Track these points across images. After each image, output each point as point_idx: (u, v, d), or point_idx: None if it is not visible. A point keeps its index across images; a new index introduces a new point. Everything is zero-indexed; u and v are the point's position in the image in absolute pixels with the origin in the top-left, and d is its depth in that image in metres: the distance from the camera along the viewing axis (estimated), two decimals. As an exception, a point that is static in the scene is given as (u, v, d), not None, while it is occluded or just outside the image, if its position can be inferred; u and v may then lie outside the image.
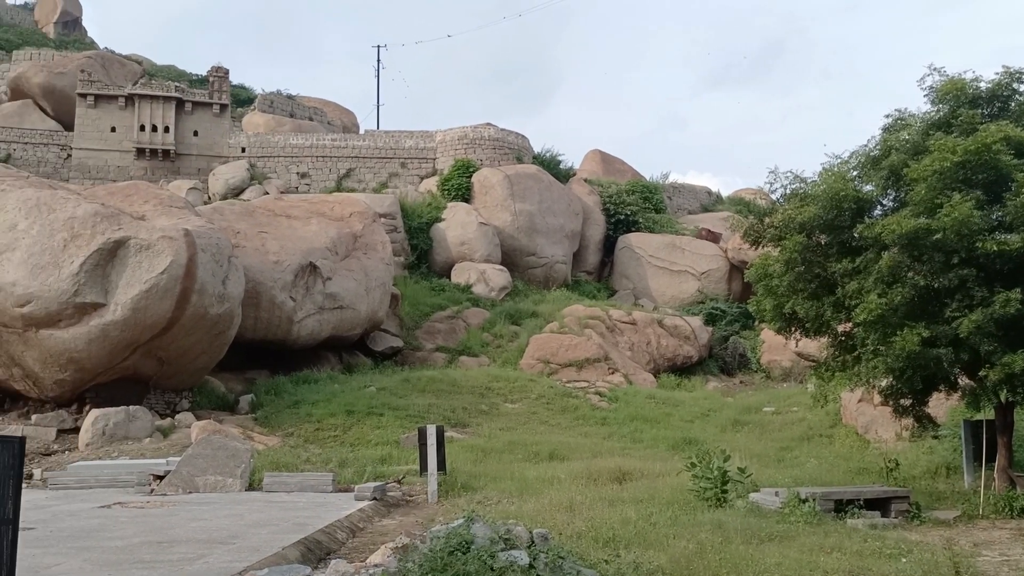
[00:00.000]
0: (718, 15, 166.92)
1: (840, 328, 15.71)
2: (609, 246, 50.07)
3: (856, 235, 14.61)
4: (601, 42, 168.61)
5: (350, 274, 32.86)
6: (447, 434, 20.02)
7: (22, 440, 6.57)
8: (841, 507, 13.47)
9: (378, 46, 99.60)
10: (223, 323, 25.43)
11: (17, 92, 54.57)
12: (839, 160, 15.73)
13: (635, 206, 50.96)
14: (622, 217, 50.28)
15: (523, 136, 51.78)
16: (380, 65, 70.97)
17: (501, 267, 43.66)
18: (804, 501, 13.18)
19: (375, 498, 15.49)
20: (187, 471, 17.67)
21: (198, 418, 24.42)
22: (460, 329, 38.20)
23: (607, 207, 50.78)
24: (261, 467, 18.54)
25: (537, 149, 53.04)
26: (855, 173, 15.46)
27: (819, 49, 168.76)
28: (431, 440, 16.52)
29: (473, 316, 39.23)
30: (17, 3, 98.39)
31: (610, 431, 26.19)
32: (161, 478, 17.80)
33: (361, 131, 62.78)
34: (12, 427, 23.03)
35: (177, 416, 24.82)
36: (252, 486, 17.66)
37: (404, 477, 17.81)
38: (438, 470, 16.46)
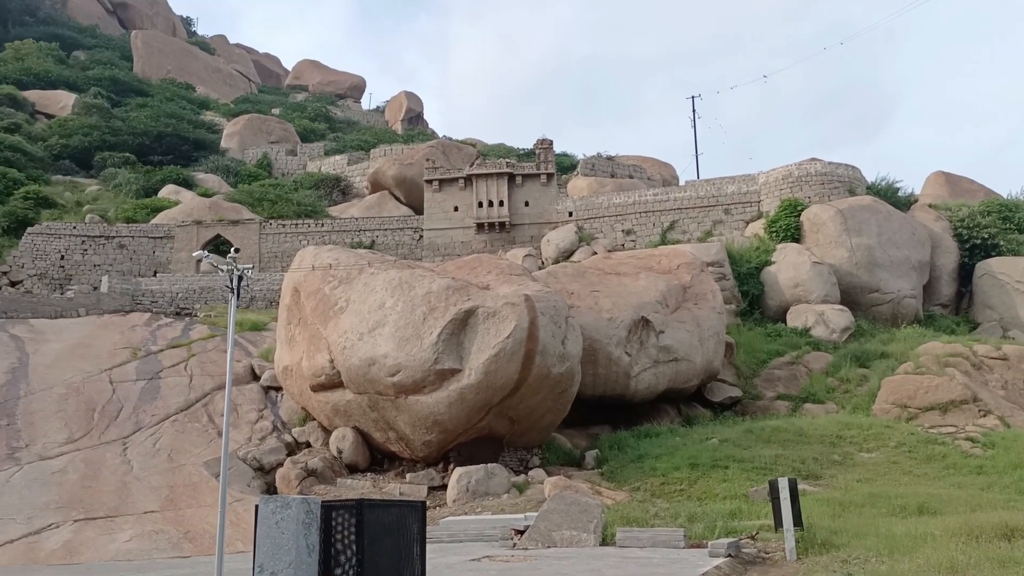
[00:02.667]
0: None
1: None
2: (965, 275, 45.35)
3: None
4: (935, 58, 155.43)
5: (682, 325, 32.79)
6: (799, 487, 19.03)
7: (423, 504, 7.24)
8: None
9: (692, 97, 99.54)
10: (565, 381, 26.46)
11: (376, 185, 61.92)
12: None
13: (993, 228, 45.83)
14: (978, 242, 45.41)
15: (853, 167, 48.89)
16: (696, 115, 71.02)
17: (841, 307, 41.15)
18: None
19: (730, 555, 15.07)
20: (544, 526, 18.44)
21: (548, 474, 25.49)
22: (801, 375, 36.41)
23: (958, 232, 46.18)
24: (612, 522, 18.86)
25: (870, 179, 49.79)
26: None
27: None
28: (784, 494, 15.79)
29: (814, 360, 37.24)
30: (371, 108, 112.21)
31: (989, 481, 23.35)
32: (521, 532, 18.73)
33: (681, 182, 62.99)
34: (391, 486, 25.58)
35: (530, 472, 26.08)
36: (605, 541, 17.99)
37: (758, 533, 17.15)
38: (794, 525, 15.66)
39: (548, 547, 17.81)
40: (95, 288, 47.24)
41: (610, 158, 65.67)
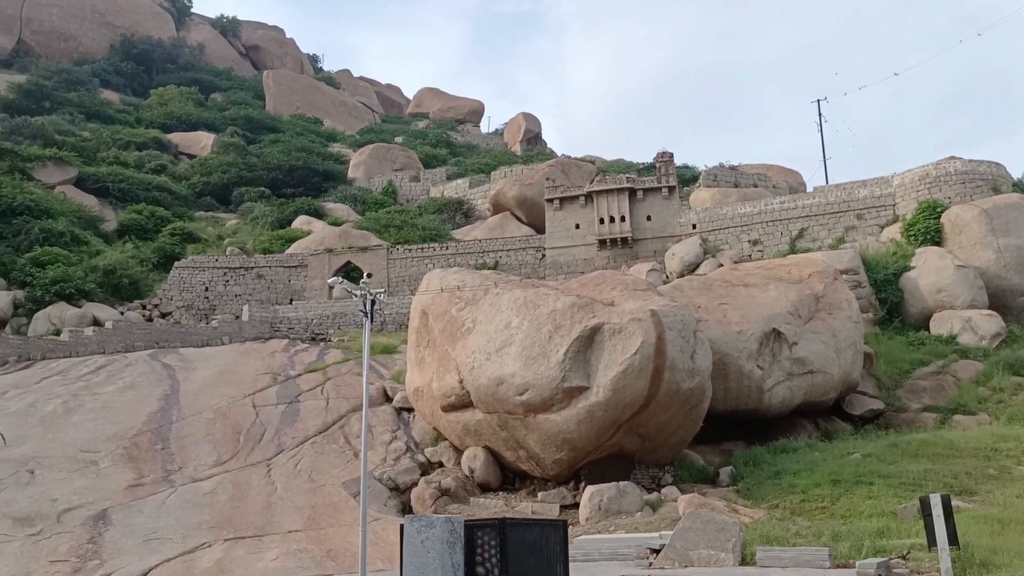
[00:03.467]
0: None
1: None
2: None
3: None
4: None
5: (816, 336, 31.67)
6: (952, 503, 17.97)
7: (565, 523, 7.23)
8: None
9: (818, 100, 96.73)
10: (695, 397, 25.96)
11: (497, 207, 62.71)
12: None
13: None
14: None
15: (997, 164, 46.18)
16: (822, 119, 68.76)
17: (990, 312, 38.81)
18: None
19: (880, 575, 14.36)
20: (680, 545, 18.07)
21: (682, 491, 25.01)
22: (949, 385, 34.49)
23: (1119, 227, 42.79)
24: (750, 541, 18.30)
25: (1016, 175, 46.94)
26: None
27: None
28: (936, 510, 14.96)
29: (963, 369, 35.21)
30: (490, 131, 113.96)
31: None
32: (657, 552, 18.43)
33: (809, 189, 61.09)
34: (523, 504, 25.66)
35: (663, 490, 25.66)
36: (744, 561, 17.47)
37: (909, 552, 16.29)
38: (949, 544, 14.79)
39: (685, 567, 17.45)
40: (237, 317, 49.61)
41: (733, 168, 64.35)
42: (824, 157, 73.00)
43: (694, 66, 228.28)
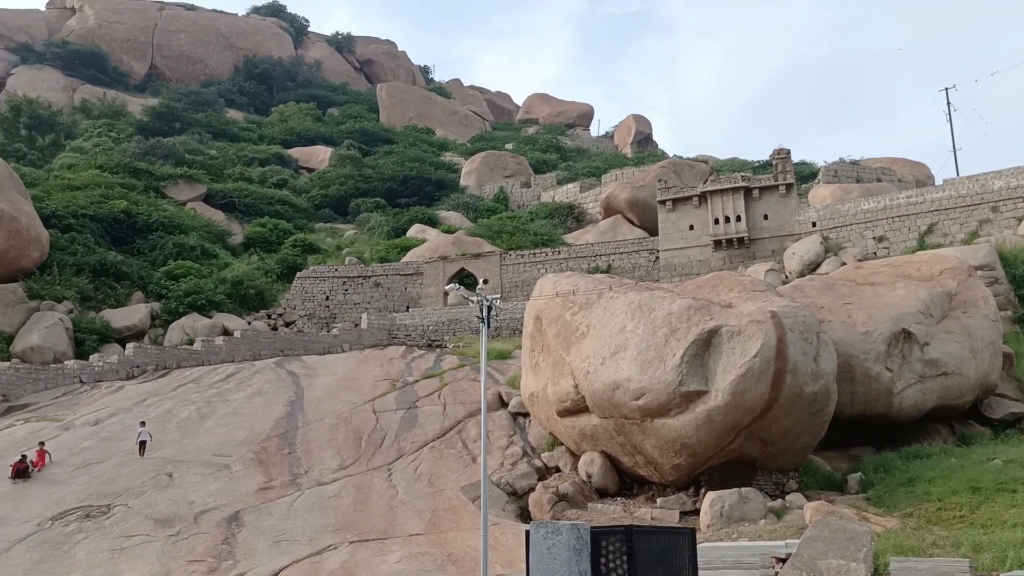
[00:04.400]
0: None
1: None
2: None
3: None
4: None
5: (950, 336, 30.09)
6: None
7: (692, 532, 7.09)
8: None
9: (946, 88, 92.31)
10: (819, 401, 25.06)
11: (609, 210, 62.37)
12: None
13: None
14: None
15: None
16: (951, 108, 65.60)
17: None
18: None
19: (1028, 590, 13.48)
20: (807, 554, 17.44)
21: (808, 499, 24.17)
22: (1099, 387, 32.19)
23: None
24: (883, 551, 17.51)
25: None
26: None
27: None
28: (1091, 522, 13.92)
29: (1115, 370, 32.80)
30: (600, 134, 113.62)
31: None
32: (782, 560, 17.84)
33: (937, 182, 58.24)
34: (641, 510, 25.35)
35: (787, 497, 24.86)
36: (877, 571, 16.71)
37: (1060, 566, 15.24)
38: (1106, 559, 13.75)
39: (813, 577, 16.81)
40: (356, 325, 50.99)
41: (855, 162, 62.05)
42: (954, 148, 69.75)
43: (812, 58, 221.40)
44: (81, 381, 39.93)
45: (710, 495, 24.07)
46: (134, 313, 50.04)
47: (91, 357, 42.78)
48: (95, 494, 25.15)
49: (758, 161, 72.41)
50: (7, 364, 40.20)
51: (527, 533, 7.82)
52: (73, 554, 21.46)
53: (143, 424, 29.91)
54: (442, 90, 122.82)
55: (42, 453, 27.21)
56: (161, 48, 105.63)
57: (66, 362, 41.79)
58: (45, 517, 23.54)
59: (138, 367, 41.89)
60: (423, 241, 60.67)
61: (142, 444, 28.68)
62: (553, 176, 76.54)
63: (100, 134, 78.27)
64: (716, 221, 50.70)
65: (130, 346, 43.33)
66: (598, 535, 7.48)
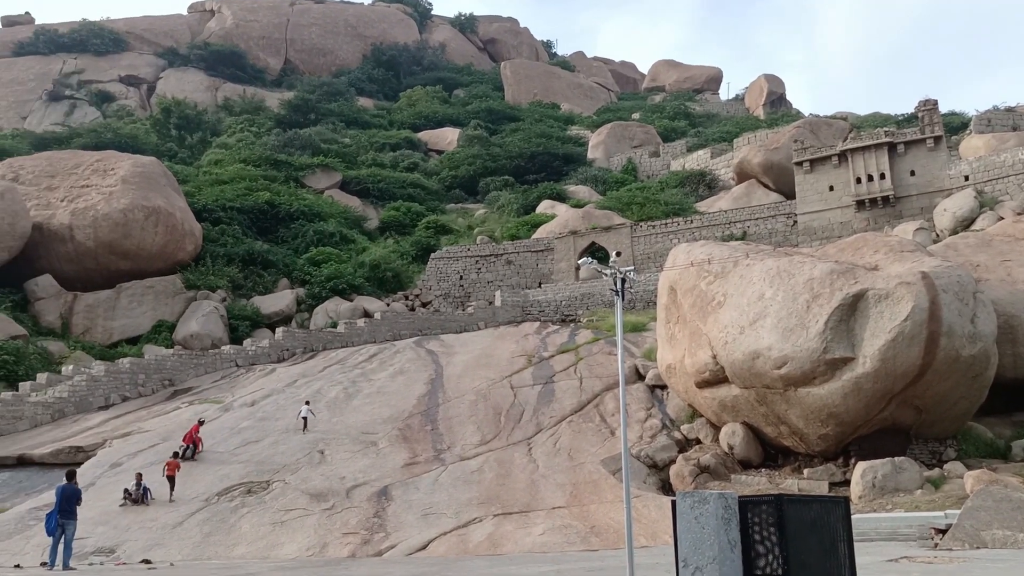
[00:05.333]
0: None
1: None
2: None
3: None
4: None
5: (1126, 291, 27.77)
6: None
7: (846, 500, 6.88)
8: None
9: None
10: (978, 365, 23.70)
11: (742, 175, 60.66)
12: None
13: None
14: None
15: None
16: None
17: None
18: None
19: None
20: (969, 525, 16.61)
21: (967, 467, 22.97)
22: None
23: None
24: (1056, 522, 16.43)
25: None
26: None
27: None
28: None
29: None
30: (730, 98, 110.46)
31: None
32: (942, 532, 17.05)
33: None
34: (787, 481, 24.70)
35: (945, 466, 23.68)
36: (1051, 543, 15.72)
37: None
38: None
39: (976, 547, 15.99)
40: (490, 303, 51.73)
41: (1010, 109, 57.98)
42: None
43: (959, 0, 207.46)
44: (237, 365, 42.24)
45: (861, 465, 23.20)
46: (281, 299, 52.50)
47: (244, 342, 45.20)
48: (255, 471, 26.62)
49: (902, 115, 68.72)
50: (171, 351, 43.00)
51: (673, 503, 7.79)
52: (239, 527, 22.83)
53: (307, 403, 31.58)
54: (566, 64, 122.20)
55: (196, 429, 28.37)
56: (294, 43, 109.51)
57: (222, 347, 44.29)
58: (212, 493, 25.11)
59: (287, 350, 43.94)
60: (552, 217, 60.76)
61: (304, 421, 30.29)
62: (682, 143, 75.03)
63: (242, 129, 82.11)
64: (858, 180, 48.51)
65: (279, 330, 45.48)
66: (746, 504, 7.38)
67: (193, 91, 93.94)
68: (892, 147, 48.10)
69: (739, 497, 7.54)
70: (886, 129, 51.91)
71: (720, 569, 7.08)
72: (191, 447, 27.90)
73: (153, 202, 50.62)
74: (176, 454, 26.37)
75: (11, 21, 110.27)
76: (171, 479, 25.18)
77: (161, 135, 79.91)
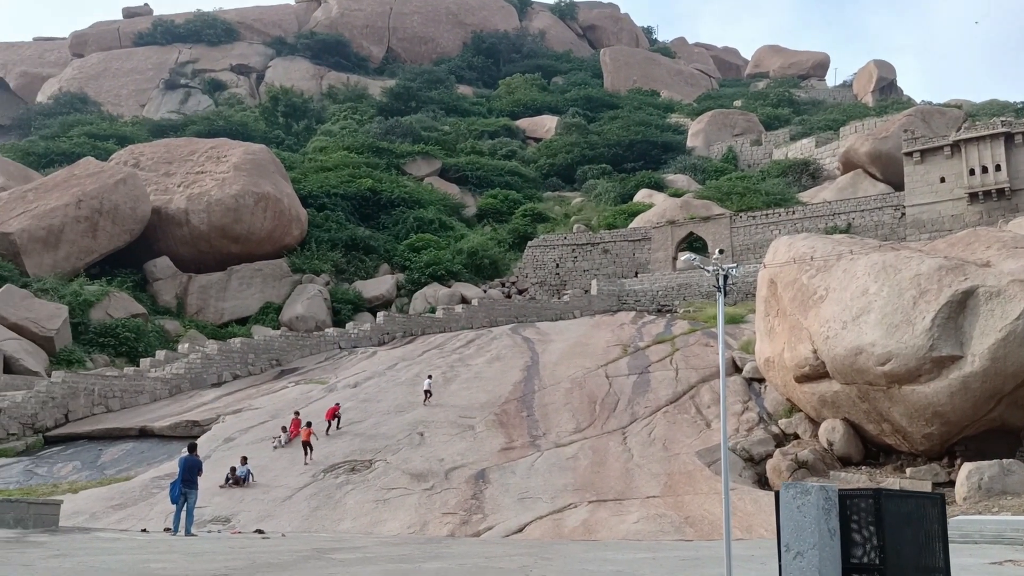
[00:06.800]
0: None
1: None
2: None
3: None
4: None
5: None
6: None
7: (942, 497, 7.05)
8: None
9: None
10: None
11: (848, 164, 59.10)
12: None
13: None
14: None
15: None
16: None
17: None
18: None
19: None
20: (1081, 533, 16.12)
21: (1083, 473, 22.12)
22: None
23: None
24: None
25: None
26: None
27: None
28: None
29: None
30: (837, 84, 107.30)
31: None
32: (1051, 539, 16.60)
33: None
34: (889, 480, 24.29)
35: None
36: None
37: None
38: None
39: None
40: (586, 291, 51.99)
41: None
42: None
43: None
44: (339, 347, 43.72)
45: (967, 466, 22.66)
46: (381, 284, 53.97)
47: (347, 325, 46.70)
48: (358, 450, 27.69)
49: (1022, 102, 65.58)
50: (279, 332, 44.82)
51: (776, 494, 8.17)
52: (344, 503, 23.87)
53: (430, 377, 33.36)
54: (666, 50, 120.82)
55: (296, 423, 29.42)
56: (396, 31, 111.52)
57: (326, 330, 45.90)
58: (318, 470, 26.27)
59: (387, 334, 45.21)
60: (650, 206, 60.47)
61: (427, 393, 31.84)
62: (786, 132, 73.43)
63: (345, 117, 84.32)
64: (972, 172, 46.74)
65: (380, 314, 46.82)
66: (846, 497, 7.76)
67: (299, 79, 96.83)
68: (1009, 137, 46.12)
69: (839, 490, 7.92)
70: (1003, 119, 49.76)
71: (820, 554, 7.53)
72: (334, 420, 29.57)
73: (262, 188, 52.69)
74: (309, 423, 28.03)
75: (131, 12, 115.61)
76: (306, 444, 27.07)
77: (269, 123, 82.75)
